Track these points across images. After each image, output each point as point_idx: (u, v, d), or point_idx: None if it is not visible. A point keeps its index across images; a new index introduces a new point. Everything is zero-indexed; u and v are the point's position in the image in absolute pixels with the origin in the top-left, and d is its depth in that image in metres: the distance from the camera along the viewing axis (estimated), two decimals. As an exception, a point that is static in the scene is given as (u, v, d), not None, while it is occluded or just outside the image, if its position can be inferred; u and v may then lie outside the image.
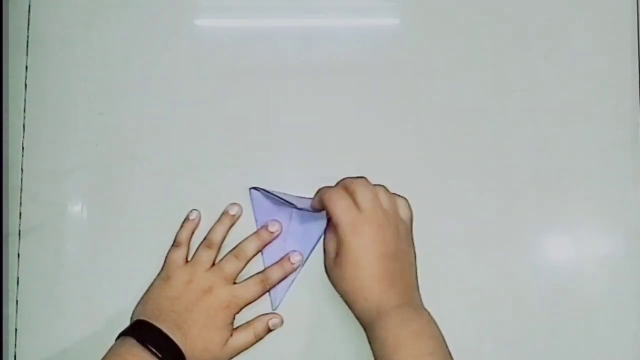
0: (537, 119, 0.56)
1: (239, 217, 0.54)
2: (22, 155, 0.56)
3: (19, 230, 0.55)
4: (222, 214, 0.54)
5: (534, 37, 0.56)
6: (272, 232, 0.53)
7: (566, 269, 0.55)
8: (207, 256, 0.52)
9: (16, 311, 0.55)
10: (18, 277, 0.55)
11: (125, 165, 0.56)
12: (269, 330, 0.52)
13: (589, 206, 0.55)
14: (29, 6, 0.57)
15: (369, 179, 0.55)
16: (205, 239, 0.53)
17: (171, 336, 0.47)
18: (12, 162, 0.56)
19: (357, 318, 0.48)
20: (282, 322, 0.53)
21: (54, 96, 0.56)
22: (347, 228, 0.48)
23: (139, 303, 0.51)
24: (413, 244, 0.51)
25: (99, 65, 0.57)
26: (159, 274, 0.52)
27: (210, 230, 0.54)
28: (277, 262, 0.53)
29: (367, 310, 0.47)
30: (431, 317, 0.48)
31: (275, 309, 0.53)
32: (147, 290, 0.52)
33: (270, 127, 0.56)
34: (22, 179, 0.56)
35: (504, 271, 0.55)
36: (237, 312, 0.51)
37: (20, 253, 0.55)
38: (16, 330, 0.54)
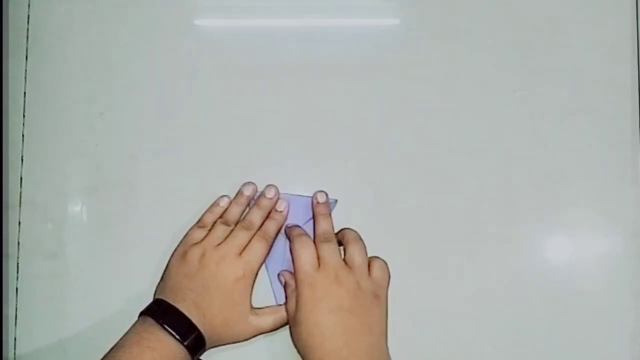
0: (537, 119, 0.56)
1: (254, 195, 0.54)
2: (22, 155, 0.56)
3: (19, 230, 0.55)
4: (237, 193, 0.54)
5: (533, 37, 0.56)
6: (270, 198, 0.53)
7: (566, 269, 0.55)
8: (221, 232, 0.52)
9: (16, 311, 0.55)
10: (18, 277, 0.55)
11: (125, 165, 0.56)
12: None
13: (589, 206, 0.55)
14: (29, 6, 0.57)
15: (368, 179, 0.55)
16: (222, 217, 0.53)
17: (189, 316, 0.47)
18: (12, 161, 0.56)
19: None
20: None
21: (54, 96, 0.56)
22: (303, 281, 0.48)
23: (160, 280, 0.52)
24: (384, 303, 0.50)
25: (99, 65, 0.57)
26: (175, 250, 0.52)
27: (227, 209, 0.54)
28: (267, 217, 0.53)
29: None
30: None
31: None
32: (166, 267, 0.52)
33: (270, 127, 0.56)
34: (21, 178, 0.56)
35: (504, 271, 0.55)
36: (254, 281, 0.50)
37: (20, 253, 0.55)
38: (16, 324, 0.54)
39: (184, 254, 0.51)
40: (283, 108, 0.56)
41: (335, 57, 0.57)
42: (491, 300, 0.54)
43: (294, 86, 0.56)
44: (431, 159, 0.56)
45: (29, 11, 0.57)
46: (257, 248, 0.51)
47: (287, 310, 0.50)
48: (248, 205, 0.54)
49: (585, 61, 0.56)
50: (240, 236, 0.51)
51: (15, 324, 0.55)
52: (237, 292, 0.49)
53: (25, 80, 0.56)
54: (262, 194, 0.54)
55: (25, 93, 0.56)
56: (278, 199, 0.54)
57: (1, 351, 0.54)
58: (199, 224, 0.53)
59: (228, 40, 0.57)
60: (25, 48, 0.57)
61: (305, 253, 0.50)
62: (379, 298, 0.50)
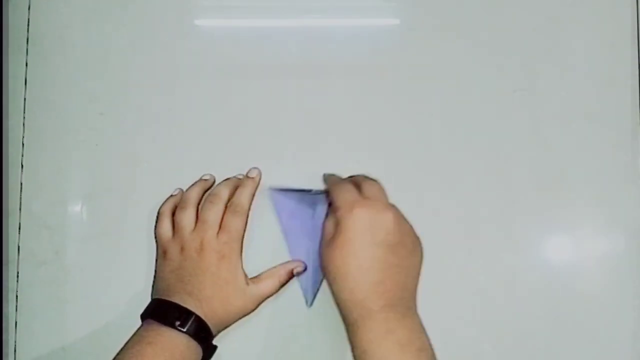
0: (537, 119, 0.56)
1: (213, 182, 0.54)
2: (22, 155, 0.56)
3: (19, 230, 0.55)
4: (197, 180, 0.54)
5: (534, 37, 0.56)
6: (253, 178, 0.53)
7: (566, 269, 0.55)
8: (186, 218, 0.51)
9: (16, 310, 0.55)
10: (18, 277, 0.55)
11: (125, 165, 0.56)
12: (292, 277, 0.52)
13: (589, 206, 0.55)
14: (29, 6, 0.57)
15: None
16: (179, 202, 0.52)
17: (185, 305, 0.47)
18: (12, 161, 0.56)
19: (340, 312, 0.46)
20: (305, 269, 0.52)
21: (54, 96, 0.56)
22: (345, 208, 0.45)
23: (152, 287, 0.51)
24: (421, 254, 0.48)
25: (99, 65, 0.57)
26: (157, 253, 0.52)
27: (183, 194, 0.53)
28: (240, 186, 0.52)
29: (350, 305, 0.44)
30: (421, 324, 0.45)
31: (311, 305, 0.53)
32: (155, 272, 0.52)
33: (270, 127, 0.56)
34: (22, 178, 0.56)
35: (504, 271, 0.55)
36: (239, 255, 0.50)
37: (20, 253, 0.55)
38: (16, 329, 0.54)
39: (165, 253, 0.51)
40: (283, 108, 0.56)
41: (335, 57, 0.57)
42: (491, 300, 0.55)
43: (294, 86, 0.56)
44: (431, 158, 0.56)
45: (29, 12, 0.57)
46: (232, 224, 0.50)
47: (323, 229, 0.48)
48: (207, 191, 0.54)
49: (585, 61, 0.56)
50: (210, 215, 0.50)
51: (16, 329, 0.55)
52: (224, 271, 0.49)
53: (25, 81, 0.56)
54: (246, 174, 0.53)
55: (25, 93, 0.56)
56: (258, 180, 0.53)
57: (1, 350, 0.54)
58: (159, 217, 0.52)
59: (228, 40, 0.57)
60: (25, 48, 0.57)
61: (347, 187, 0.47)
62: (417, 246, 0.47)
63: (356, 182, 0.49)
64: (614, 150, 0.55)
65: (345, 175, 0.54)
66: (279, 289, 0.52)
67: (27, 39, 0.57)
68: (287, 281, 0.52)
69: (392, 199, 0.55)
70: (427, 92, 0.56)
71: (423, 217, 0.55)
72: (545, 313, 0.54)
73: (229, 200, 0.52)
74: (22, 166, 0.56)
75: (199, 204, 0.52)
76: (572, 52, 0.56)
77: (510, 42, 0.56)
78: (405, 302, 0.45)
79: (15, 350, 0.54)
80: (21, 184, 0.56)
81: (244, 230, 0.51)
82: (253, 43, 0.57)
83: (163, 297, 0.48)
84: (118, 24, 0.57)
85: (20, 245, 0.55)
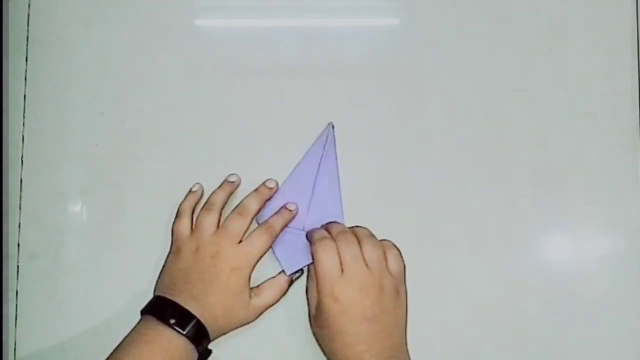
0: (537, 119, 0.56)
1: (238, 184, 0.54)
2: (22, 155, 0.56)
3: (19, 230, 0.55)
4: (223, 182, 0.54)
5: (533, 37, 0.56)
6: (270, 188, 0.53)
7: (566, 269, 0.55)
8: (209, 220, 0.51)
9: (16, 311, 0.55)
10: (18, 277, 0.55)
11: (125, 165, 0.56)
12: (292, 283, 0.52)
13: (589, 206, 0.55)
14: (29, 6, 0.57)
15: (368, 178, 0.55)
16: (205, 204, 0.53)
17: (187, 307, 0.47)
18: (12, 161, 0.56)
19: None
20: (302, 273, 0.53)
21: (54, 96, 0.56)
22: (326, 291, 0.47)
23: (158, 278, 0.51)
24: (404, 296, 0.50)
25: (99, 65, 0.57)
26: (170, 249, 0.52)
27: (210, 195, 0.53)
28: (276, 212, 0.53)
29: None
30: None
31: (290, 275, 0.53)
32: (163, 266, 0.52)
33: (271, 127, 0.56)
34: (22, 178, 0.56)
35: (504, 271, 0.55)
36: (251, 271, 0.50)
37: (20, 252, 0.55)
38: (16, 329, 0.54)
39: (178, 250, 0.51)
40: (283, 108, 0.56)
41: (335, 57, 0.57)
42: (491, 300, 0.54)
43: (293, 86, 0.56)
44: (431, 158, 0.56)
45: (29, 11, 0.57)
46: (259, 241, 0.50)
47: (308, 301, 0.50)
48: (231, 194, 0.54)
49: (585, 61, 0.56)
50: (235, 225, 0.51)
51: (15, 328, 0.54)
52: (233, 282, 0.49)
53: (25, 81, 0.56)
54: (263, 184, 0.53)
55: (25, 93, 0.56)
56: (276, 191, 0.53)
57: (1, 350, 0.54)
58: (178, 213, 0.53)
59: (228, 40, 0.57)
60: (25, 48, 0.57)
61: (330, 259, 0.48)
62: (399, 294, 0.49)
63: (335, 240, 0.49)
64: (614, 150, 0.55)
65: (344, 176, 0.54)
66: (280, 298, 0.52)
67: (27, 38, 0.57)
68: (288, 289, 0.52)
69: (392, 199, 0.55)
70: (427, 92, 0.56)
71: (423, 217, 0.55)
72: (546, 313, 0.54)
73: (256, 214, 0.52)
74: (22, 164, 0.56)
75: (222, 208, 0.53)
76: (572, 52, 0.56)
77: (510, 42, 0.56)
78: (396, 355, 0.48)
79: (15, 349, 0.54)
80: (21, 182, 0.56)
81: (266, 251, 0.51)
82: (253, 43, 0.57)
83: (166, 295, 0.48)
84: (118, 24, 0.57)
85: (20, 242, 0.55)
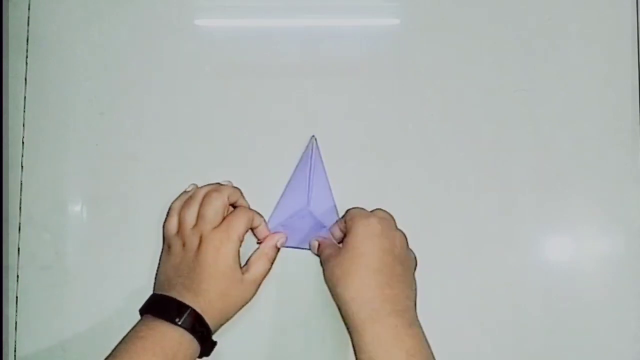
0: (537, 119, 0.56)
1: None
2: (22, 155, 0.56)
3: (19, 230, 0.55)
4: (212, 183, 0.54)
5: (534, 37, 0.56)
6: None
7: (566, 269, 0.55)
8: (189, 214, 0.51)
9: (16, 310, 0.55)
10: (18, 276, 0.55)
11: (125, 165, 0.56)
12: (278, 250, 0.53)
13: (589, 206, 0.55)
14: (29, 6, 0.57)
15: (368, 178, 0.55)
16: (185, 201, 0.52)
17: (181, 299, 0.47)
18: (12, 161, 0.56)
19: (344, 314, 0.47)
20: (287, 238, 0.53)
21: (54, 96, 0.56)
22: (360, 216, 0.49)
23: (154, 280, 0.52)
24: (412, 277, 0.50)
25: (99, 65, 0.57)
26: (162, 247, 0.53)
27: (193, 193, 0.53)
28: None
29: (356, 305, 0.46)
30: (424, 335, 0.47)
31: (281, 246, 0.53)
32: (158, 266, 0.52)
33: (270, 127, 0.56)
34: (22, 178, 0.56)
35: (504, 271, 0.55)
36: (237, 248, 0.50)
37: (20, 253, 0.55)
38: (16, 329, 0.54)
39: (169, 248, 0.51)
40: (283, 108, 0.56)
41: (335, 57, 0.57)
42: (491, 300, 0.54)
43: (294, 86, 0.56)
44: (431, 158, 0.56)
45: (29, 11, 0.57)
46: (236, 217, 0.50)
47: (331, 232, 0.52)
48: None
49: (585, 61, 0.56)
50: (209, 209, 0.50)
51: (16, 330, 0.55)
52: (221, 262, 0.49)
53: (25, 81, 0.56)
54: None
55: (25, 93, 0.56)
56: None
57: (1, 350, 0.54)
58: (169, 212, 0.53)
59: (228, 40, 0.57)
60: (25, 48, 0.57)
61: (361, 209, 0.51)
62: (413, 270, 0.50)
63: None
64: (614, 150, 0.55)
65: (344, 176, 0.54)
66: (270, 267, 0.52)
67: (27, 39, 0.57)
68: (275, 256, 0.52)
69: (393, 199, 0.55)
70: (427, 92, 0.56)
71: (423, 216, 0.55)
72: (545, 313, 0.54)
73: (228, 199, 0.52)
74: (22, 166, 0.56)
75: None
76: (572, 52, 0.56)
77: (510, 42, 0.56)
78: (410, 312, 0.47)
79: (15, 349, 0.54)
80: (21, 184, 0.56)
81: (248, 227, 0.51)
82: (253, 43, 0.57)
83: (161, 292, 0.49)
84: (118, 24, 0.57)
85: (20, 246, 0.55)
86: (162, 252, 0.52)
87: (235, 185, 0.55)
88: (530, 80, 0.56)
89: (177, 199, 0.54)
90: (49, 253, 0.55)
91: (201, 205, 0.51)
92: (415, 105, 0.56)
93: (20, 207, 0.55)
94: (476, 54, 0.56)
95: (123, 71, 0.57)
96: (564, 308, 0.54)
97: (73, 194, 0.56)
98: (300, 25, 0.58)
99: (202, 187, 0.53)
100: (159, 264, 0.52)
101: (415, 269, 0.51)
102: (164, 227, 0.53)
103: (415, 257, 0.51)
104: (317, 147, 0.55)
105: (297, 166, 0.55)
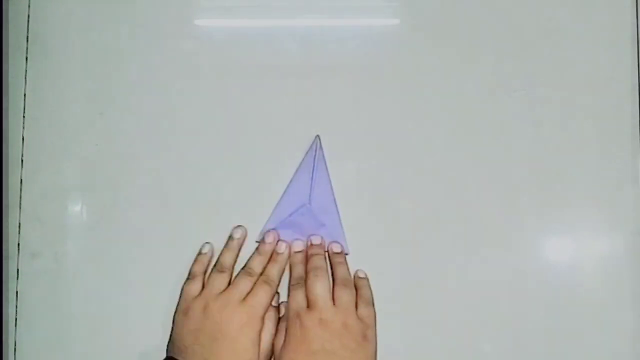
0: (537, 119, 0.56)
1: (244, 239, 0.55)
2: (22, 155, 0.56)
3: (19, 230, 0.55)
4: (228, 238, 0.54)
5: (534, 37, 0.56)
6: (270, 243, 0.54)
7: (566, 269, 0.55)
8: (219, 280, 0.52)
9: (16, 310, 0.55)
10: (18, 276, 0.55)
11: (125, 165, 0.56)
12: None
13: (589, 206, 0.55)
14: (29, 6, 0.57)
15: (368, 179, 0.55)
16: (215, 264, 0.53)
17: None
18: (12, 161, 0.56)
19: None
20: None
21: (54, 96, 0.56)
22: (291, 319, 0.50)
23: (169, 338, 0.51)
24: (372, 342, 0.50)
25: (99, 65, 0.57)
26: (177, 308, 0.52)
27: (219, 256, 0.54)
28: (269, 260, 0.53)
29: None
30: None
31: (348, 253, 0.54)
32: (172, 325, 0.52)
33: (270, 127, 0.56)
34: (22, 178, 0.56)
35: (504, 271, 0.55)
36: (261, 324, 0.50)
37: (20, 252, 0.55)
38: (16, 329, 0.54)
39: (187, 310, 0.51)
40: (283, 108, 0.56)
41: (335, 57, 0.57)
42: (491, 300, 0.54)
43: (294, 86, 0.56)
44: (431, 158, 0.56)
45: (29, 11, 0.57)
46: (261, 293, 0.51)
47: (274, 344, 0.51)
48: (239, 249, 0.54)
49: (585, 61, 0.56)
50: (242, 283, 0.51)
51: (15, 328, 0.54)
52: (243, 338, 0.49)
53: (25, 81, 0.56)
54: (262, 241, 0.54)
55: (25, 93, 0.56)
56: (278, 241, 0.54)
57: (1, 350, 0.54)
58: (189, 276, 0.53)
59: (228, 40, 0.57)
60: (25, 48, 0.57)
61: (298, 294, 0.51)
62: (367, 339, 0.50)
63: (309, 272, 0.52)
64: (614, 150, 0.55)
65: (344, 176, 0.54)
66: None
67: (27, 38, 0.57)
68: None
69: (393, 199, 0.55)
70: (427, 92, 0.56)
71: (423, 217, 0.55)
72: (545, 313, 0.54)
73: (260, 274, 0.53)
74: (22, 164, 0.56)
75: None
76: (572, 52, 0.56)
77: (510, 42, 0.56)
78: None
79: (15, 349, 0.54)
80: (21, 182, 0.56)
81: (270, 302, 0.52)
82: (253, 43, 0.57)
83: (178, 358, 0.49)
84: (118, 23, 0.57)
85: (20, 243, 0.55)
86: (177, 312, 0.52)
87: (234, 185, 0.55)
88: (530, 80, 0.56)
89: (197, 262, 0.54)
90: (49, 253, 0.55)
91: (237, 278, 0.52)
92: (415, 105, 0.56)
93: (20, 207, 0.55)
94: (476, 54, 0.56)
95: (123, 71, 0.57)
96: (563, 308, 0.54)
97: (73, 193, 0.56)
98: (300, 25, 0.58)
99: (227, 253, 0.54)
100: (173, 325, 0.52)
101: (375, 326, 0.51)
102: (183, 288, 0.53)
103: (374, 313, 0.52)
104: (321, 147, 0.55)
105: (300, 164, 0.55)
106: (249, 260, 0.54)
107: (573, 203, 0.55)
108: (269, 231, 0.54)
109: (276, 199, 0.55)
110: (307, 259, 0.54)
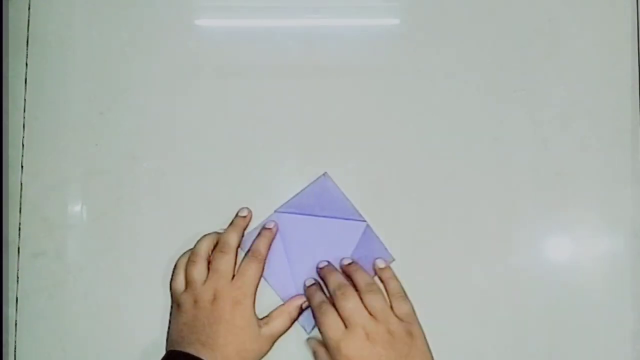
0: (537, 119, 0.56)
1: (249, 222, 0.54)
2: (22, 155, 0.56)
3: (19, 230, 0.55)
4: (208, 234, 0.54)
5: (534, 37, 0.56)
6: (244, 217, 0.54)
7: (566, 269, 0.55)
8: (197, 271, 0.51)
9: (16, 311, 0.55)
10: (18, 276, 0.55)
11: (125, 165, 0.56)
12: (302, 311, 0.53)
13: (589, 206, 0.55)
14: (29, 6, 0.57)
15: (368, 179, 0.55)
16: (190, 257, 0.52)
17: (197, 355, 0.47)
18: (12, 161, 0.56)
19: None
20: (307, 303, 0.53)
21: (54, 96, 0.56)
22: (335, 351, 0.47)
23: (166, 337, 0.52)
24: (420, 335, 0.50)
25: (99, 65, 0.57)
26: (171, 306, 0.52)
27: (194, 246, 0.53)
28: (257, 235, 0.53)
29: None
30: None
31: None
32: (168, 324, 0.52)
33: (270, 127, 0.56)
34: (22, 178, 0.56)
35: (504, 271, 0.55)
36: (253, 301, 0.50)
37: (20, 252, 0.55)
38: (16, 329, 0.54)
39: (179, 306, 0.51)
40: (283, 108, 0.56)
41: (335, 57, 0.57)
42: (491, 300, 0.54)
43: (294, 86, 0.56)
44: (431, 159, 0.56)
45: (29, 11, 0.57)
46: (250, 269, 0.51)
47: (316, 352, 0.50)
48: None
49: (585, 61, 0.56)
50: (222, 264, 0.51)
51: (16, 329, 0.54)
52: (238, 317, 0.49)
53: (26, 81, 0.56)
54: (237, 215, 0.54)
55: (25, 93, 0.56)
56: (251, 218, 0.54)
57: (1, 351, 0.54)
58: (175, 270, 0.53)
59: (228, 40, 0.57)
60: (25, 48, 0.57)
61: (330, 319, 0.49)
62: (413, 335, 0.49)
63: (335, 303, 0.49)
64: (614, 150, 0.55)
65: (344, 176, 0.54)
66: (290, 326, 0.52)
67: (27, 39, 0.57)
68: (297, 316, 0.53)
69: (393, 199, 0.55)
70: (427, 92, 0.56)
71: (423, 217, 0.55)
72: (545, 313, 0.54)
73: (237, 246, 0.52)
74: (22, 164, 0.56)
75: (210, 254, 0.53)
76: (572, 52, 0.56)
77: (510, 42, 0.56)
78: None
79: (15, 349, 0.54)
80: (21, 184, 0.56)
81: (260, 276, 0.52)
82: (253, 43, 0.57)
83: (178, 349, 0.49)
84: (118, 23, 0.57)
85: (20, 245, 0.55)
86: (171, 310, 0.52)
87: (235, 185, 0.55)
88: (530, 80, 0.56)
89: (182, 256, 0.53)
90: (49, 253, 0.55)
91: (213, 259, 0.51)
92: (415, 104, 0.56)
93: (20, 207, 0.55)
94: (476, 54, 0.56)
95: (123, 71, 0.57)
96: (563, 308, 0.54)
97: (73, 193, 0.56)
98: (300, 25, 0.58)
99: (201, 241, 0.53)
100: (170, 322, 0.52)
101: (416, 318, 0.51)
102: (170, 285, 0.53)
103: (410, 309, 0.51)
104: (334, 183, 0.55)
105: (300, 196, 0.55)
106: (222, 235, 0.53)
107: (573, 203, 0.55)
108: (243, 207, 0.54)
109: (276, 197, 0.55)
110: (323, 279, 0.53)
